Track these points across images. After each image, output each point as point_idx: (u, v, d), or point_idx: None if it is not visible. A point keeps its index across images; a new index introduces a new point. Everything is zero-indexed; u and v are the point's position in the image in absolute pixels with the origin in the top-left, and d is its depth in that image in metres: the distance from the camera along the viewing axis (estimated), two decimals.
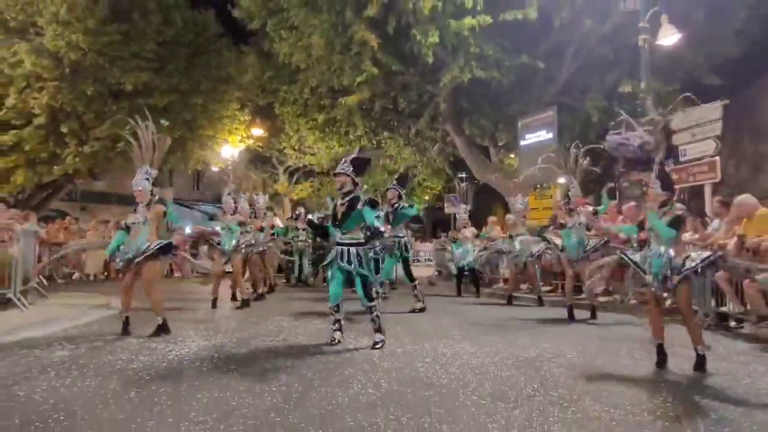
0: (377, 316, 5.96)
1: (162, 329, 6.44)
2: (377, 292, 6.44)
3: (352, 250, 5.92)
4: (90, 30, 15.72)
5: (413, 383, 4.39)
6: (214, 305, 9.09)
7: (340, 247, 6.00)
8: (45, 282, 11.37)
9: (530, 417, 3.59)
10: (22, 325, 6.78)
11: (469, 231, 11.96)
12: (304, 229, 14.34)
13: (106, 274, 15.69)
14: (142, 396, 3.98)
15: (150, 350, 5.54)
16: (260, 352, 5.51)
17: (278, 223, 14.90)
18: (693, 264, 4.88)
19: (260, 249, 10.40)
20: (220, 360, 5.15)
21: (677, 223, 5.00)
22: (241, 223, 9.53)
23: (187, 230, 12.76)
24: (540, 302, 9.89)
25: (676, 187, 10.52)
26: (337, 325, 6.12)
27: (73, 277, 14.74)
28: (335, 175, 6.20)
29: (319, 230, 6.61)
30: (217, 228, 9.95)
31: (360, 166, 6.12)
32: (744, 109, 20.35)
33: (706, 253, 5.09)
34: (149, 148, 6.69)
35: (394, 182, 9.51)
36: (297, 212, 15.76)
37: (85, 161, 17.53)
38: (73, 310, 7.98)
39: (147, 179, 6.58)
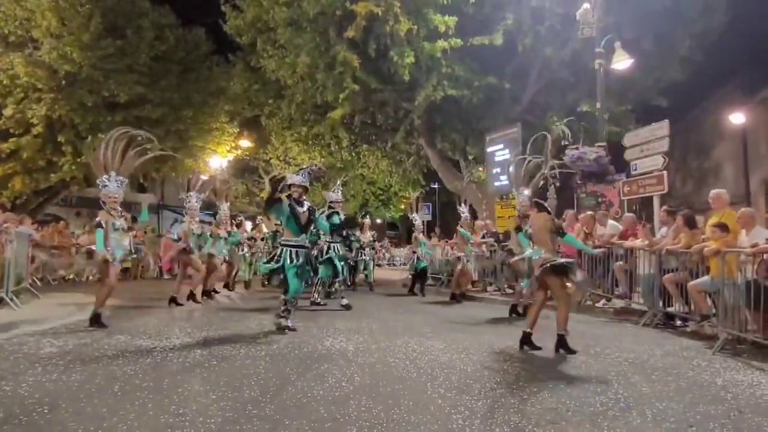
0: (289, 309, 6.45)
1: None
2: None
3: (305, 252, 6.51)
4: (85, 44, 15.43)
5: (385, 377, 4.33)
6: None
7: (302, 250, 6.49)
8: (38, 283, 11.07)
9: (492, 408, 3.56)
10: (13, 323, 6.56)
11: (421, 236, 12.12)
12: None
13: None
14: (126, 390, 3.85)
15: (135, 347, 5.38)
16: (241, 348, 5.39)
17: (264, 228, 14.76)
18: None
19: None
20: (202, 355, 5.03)
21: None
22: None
23: (174, 236, 12.52)
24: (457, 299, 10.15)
25: (627, 198, 10.84)
26: (292, 314, 6.52)
27: (66, 278, 14.35)
28: (293, 185, 6.58)
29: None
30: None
31: (312, 177, 7.00)
32: (689, 128, 20.95)
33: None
34: (117, 155, 6.60)
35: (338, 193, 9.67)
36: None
37: (81, 169, 17.16)
38: (64, 309, 7.75)
39: (119, 187, 6.54)
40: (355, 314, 8.20)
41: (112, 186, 6.53)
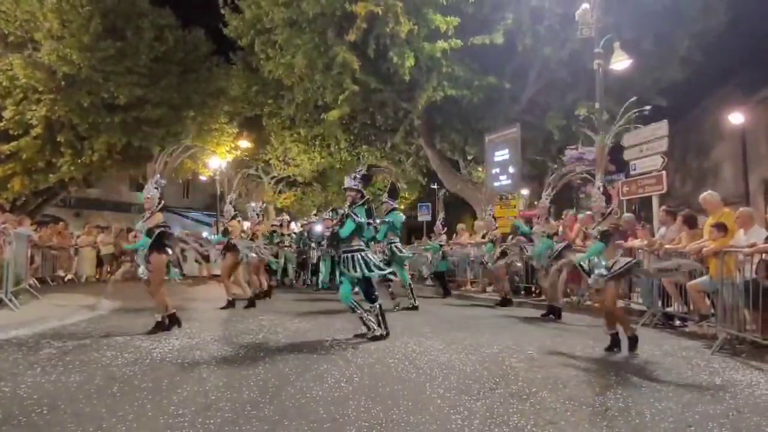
0: (376, 314, 6.09)
1: (159, 327, 6.33)
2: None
3: (357, 256, 5.98)
4: (84, 46, 15.43)
5: (384, 377, 4.33)
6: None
7: (345, 254, 6.06)
8: (37, 284, 11.06)
9: (491, 408, 3.57)
10: (12, 324, 6.54)
11: (444, 237, 12.02)
12: (288, 235, 14.28)
13: (98, 276, 15.35)
14: (125, 391, 3.86)
15: (135, 348, 5.38)
16: (240, 349, 5.40)
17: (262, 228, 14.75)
18: (618, 267, 5.44)
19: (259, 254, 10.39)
20: (201, 356, 5.03)
21: (605, 237, 5.50)
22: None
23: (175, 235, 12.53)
24: (508, 302, 9.80)
25: (626, 198, 10.85)
26: (363, 318, 6.11)
27: (66, 279, 14.36)
28: (346, 189, 6.21)
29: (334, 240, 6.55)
30: (204, 234, 9.83)
31: (366, 180, 6.33)
32: (689, 128, 20.95)
33: (627, 259, 5.64)
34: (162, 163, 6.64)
35: (386, 196, 9.43)
36: (281, 219, 15.65)
37: (80, 170, 17.19)
38: (63, 310, 7.74)
39: (156, 188, 6.48)
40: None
41: (148, 188, 6.51)
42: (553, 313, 8.05)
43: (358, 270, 5.90)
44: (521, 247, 9.11)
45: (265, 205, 10.83)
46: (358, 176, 6.20)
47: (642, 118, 8.48)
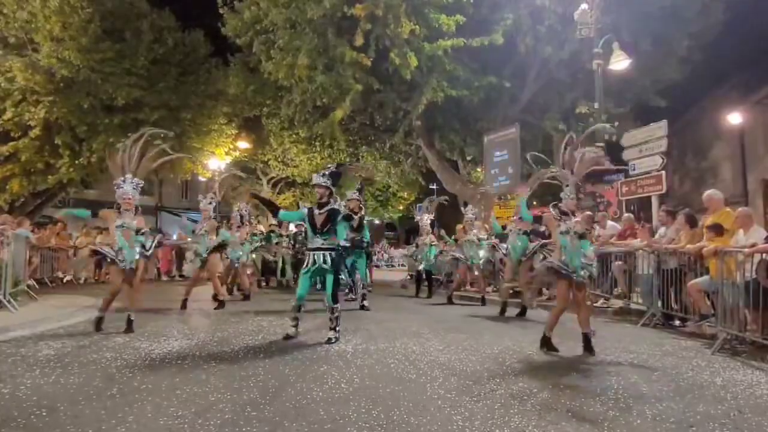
0: (337, 317, 6.09)
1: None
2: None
3: (329, 254, 6.05)
4: (83, 47, 15.41)
5: (384, 378, 4.32)
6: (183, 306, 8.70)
7: (319, 252, 6.07)
8: (36, 285, 11.03)
9: (492, 409, 3.56)
10: (11, 325, 6.51)
11: (428, 238, 12.00)
12: (286, 236, 14.27)
13: (96, 278, 15.30)
14: (124, 392, 3.84)
15: (134, 349, 5.36)
16: (239, 350, 5.38)
17: (261, 228, 14.76)
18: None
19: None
20: (200, 357, 5.01)
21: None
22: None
23: (174, 237, 12.56)
24: (482, 302, 10.00)
25: (625, 198, 10.87)
26: (295, 321, 6.18)
27: (64, 280, 14.32)
28: (314, 186, 6.35)
29: (272, 207, 6.66)
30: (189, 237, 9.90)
31: (335, 177, 6.36)
32: (687, 128, 20.98)
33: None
34: (134, 158, 6.59)
35: (355, 192, 9.73)
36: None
37: (78, 171, 17.16)
38: (62, 311, 7.71)
39: (135, 189, 6.49)
40: (353, 315, 8.18)
41: (126, 187, 6.50)
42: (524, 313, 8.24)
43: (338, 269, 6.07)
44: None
45: (249, 205, 10.85)
46: (326, 173, 6.29)
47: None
